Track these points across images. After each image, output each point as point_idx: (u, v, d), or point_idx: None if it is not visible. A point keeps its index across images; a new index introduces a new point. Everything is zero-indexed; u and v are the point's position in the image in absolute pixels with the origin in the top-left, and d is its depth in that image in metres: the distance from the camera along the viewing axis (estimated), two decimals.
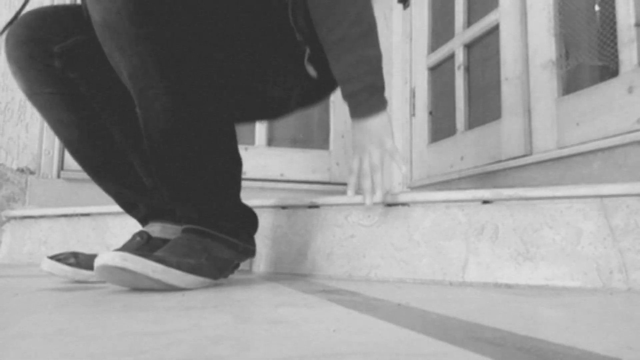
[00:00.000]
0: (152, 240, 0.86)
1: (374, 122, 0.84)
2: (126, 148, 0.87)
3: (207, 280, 0.74)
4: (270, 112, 0.92)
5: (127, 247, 0.85)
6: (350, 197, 0.90)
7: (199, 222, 0.77)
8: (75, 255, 0.84)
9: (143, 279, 0.66)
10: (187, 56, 0.70)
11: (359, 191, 0.88)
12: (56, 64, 0.80)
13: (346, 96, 0.83)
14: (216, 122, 0.75)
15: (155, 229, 0.89)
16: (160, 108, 0.70)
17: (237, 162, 0.80)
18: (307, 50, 0.82)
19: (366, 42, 0.80)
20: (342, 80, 0.82)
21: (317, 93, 0.92)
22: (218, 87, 0.75)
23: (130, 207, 0.92)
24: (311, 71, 0.83)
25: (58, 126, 0.84)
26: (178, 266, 0.69)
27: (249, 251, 0.83)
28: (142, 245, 0.84)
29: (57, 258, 0.83)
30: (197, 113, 0.72)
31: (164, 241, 0.86)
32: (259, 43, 0.81)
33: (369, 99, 0.82)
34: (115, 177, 0.88)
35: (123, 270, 0.64)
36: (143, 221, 0.92)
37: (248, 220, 0.84)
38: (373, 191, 0.85)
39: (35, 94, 0.81)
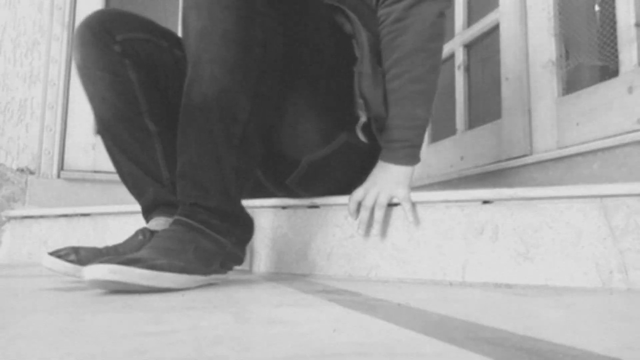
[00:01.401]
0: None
1: (398, 170, 0.88)
2: (154, 136, 0.92)
3: (199, 278, 0.74)
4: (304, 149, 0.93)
5: (129, 245, 0.85)
6: (346, 197, 0.92)
7: (191, 213, 0.76)
8: (75, 250, 0.84)
9: (135, 286, 0.65)
10: (254, 43, 0.75)
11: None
12: (116, 49, 0.89)
13: (385, 141, 0.89)
14: (252, 116, 0.78)
15: (160, 222, 0.89)
16: (209, 74, 0.74)
17: (250, 165, 0.81)
18: (362, 119, 0.90)
19: (420, 100, 0.87)
20: (386, 127, 0.88)
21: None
22: (266, 94, 0.80)
23: (140, 192, 0.93)
24: (361, 137, 0.91)
25: (98, 102, 0.91)
26: (169, 268, 0.69)
27: (236, 257, 0.82)
28: (143, 244, 0.84)
29: (57, 254, 0.83)
30: (240, 98, 0.76)
31: None
32: (318, 86, 0.88)
33: (403, 150, 0.87)
34: (136, 159, 0.92)
35: (113, 282, 0.64)
36: (147, 211, 0.92)
37: (241, 224, 0.83)
38: (370, 224, 0.88)
39: (88, 68, 0.89)
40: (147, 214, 0.93)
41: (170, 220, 0.88)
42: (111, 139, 0.92)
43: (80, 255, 0.83)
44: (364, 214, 0.87)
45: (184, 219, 0.77)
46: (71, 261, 0.82)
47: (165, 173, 0.92)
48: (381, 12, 0.89)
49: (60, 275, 0.84)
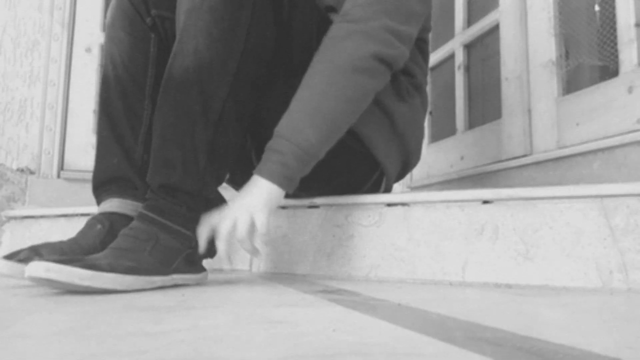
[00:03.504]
0: (114, 225, 0.82)
1: (269, 189, 0.74)
2: (145, 114, 0.92)
3: (156, 278, 0.72)
4: None
5: (89, 237, 0.82)
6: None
7: (155, 204, 0.75)
8: (36, 251, 0.77)
9: (73, 286, 0.64)
10: (240, 23, 0.77)
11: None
12: (147, 21, 0.92)
13: (268, 148, 0.76)
14: (232, 95, 0.78)
15: (114, 204, 0.86)
16: (193, 47, 0.75)
17: (228, 148, 0.80)
18: None
19: (316, 121, 0.75)
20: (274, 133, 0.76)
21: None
22: (250, 76, 0.80)
23: (102, 159, 0.91)
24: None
25: (109, 60, 0.93)
26: (111, 269, 0.66)
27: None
28: (104, 236, 0.81)
29: (17, 258, 0.76)
30: (221, 73, 0.76)
31: (124, 217, 0.85)
32: None
33: (279, 166, 0.74)
34: (117, 127, 0.91)
35: (48, 280, 0.63)
36: (101, 184, 0.90)
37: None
38: (228, 255, 0.75)
39: (114, 28, 0.92)
40: (100, 188, 0.90)
41: (127, 202, 0.87)
42: (105, 99, 0.92)
43: (42, 256, 0.77)
44: (221, 246, 0.73)
45: (146, 212, 0.75)
46: (21, 261, 0.75)
47: (141, 150, 0.91)
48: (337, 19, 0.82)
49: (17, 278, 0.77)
